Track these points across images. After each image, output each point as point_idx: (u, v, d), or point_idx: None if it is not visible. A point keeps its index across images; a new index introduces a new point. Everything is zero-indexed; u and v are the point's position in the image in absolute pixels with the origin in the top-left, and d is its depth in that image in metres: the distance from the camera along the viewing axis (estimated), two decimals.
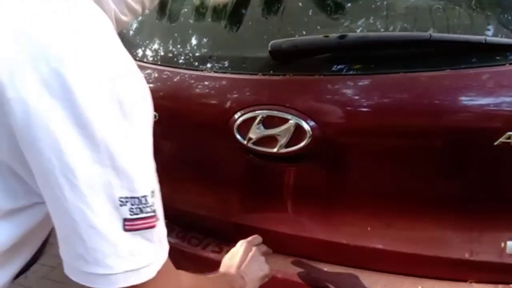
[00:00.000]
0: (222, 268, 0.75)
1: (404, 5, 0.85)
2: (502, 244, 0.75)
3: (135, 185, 0.44)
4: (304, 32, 0.88)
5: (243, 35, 0.97)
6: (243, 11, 0.99)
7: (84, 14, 0.47)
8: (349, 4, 0.88)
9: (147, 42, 1.10)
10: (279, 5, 0.94)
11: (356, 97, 0.80)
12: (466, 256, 0.77)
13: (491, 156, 0.72)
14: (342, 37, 0.77)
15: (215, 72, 0.93)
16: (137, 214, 0.44)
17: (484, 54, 0.73)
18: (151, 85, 1.00)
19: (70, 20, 0.45)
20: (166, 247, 0.49)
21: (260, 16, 0.96)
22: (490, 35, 0.75)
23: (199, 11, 1.07)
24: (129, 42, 1.10)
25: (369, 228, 0.83)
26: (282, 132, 0.81)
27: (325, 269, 0.87)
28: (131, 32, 1.13)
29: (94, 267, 0.43)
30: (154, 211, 0.45)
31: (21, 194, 0.46)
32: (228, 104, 0.88)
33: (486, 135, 0.71)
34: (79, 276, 0.44)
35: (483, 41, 0.71)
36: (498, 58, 0.72)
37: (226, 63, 0.94)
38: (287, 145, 0.82)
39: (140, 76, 0.47)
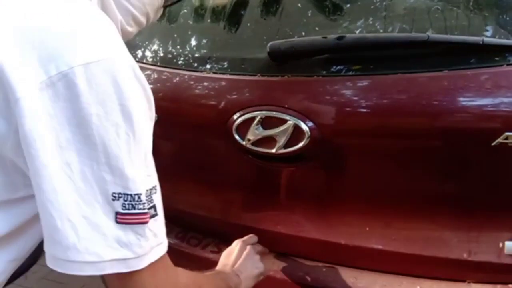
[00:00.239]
0: (218, 266, 0.76)
1: (402, 6, 0.85)
2: (501, 244, 0.75)
3: (129, 183, 0.45)
4: (302, 33, 0.88)
5: (242, 36, 0.97)
6: (242, 12, 1.00)
7: (86, 14, 0.48)
8: (347, 6, 0.89)
9: (147, 43, 1.10)
10: (277, 6, 0.94)
11: (354, 98, 0.80)
12: (465, 256, 0.77)
13: (489, 157, 0.72)
14: (340, 38, 0.77)
15: (214, 73, 0.93)
16: (129, 209, 0.45)
17: (482, 55, 0.73)
18: (151, 86, 0.99)
19: (73, 21, 0.46)
20: (163, 243, 0.50)
21: (258, 17, 0.96)
22: (487, 36, 0.75)
23: (198, 12, 1.07)
24: (129, 43, 1.10)
25: (367, 228, 0.83)
26: (281, 132, 0.82)
27: (324, 270, 0.87)
28: None
29: (84, 255, 0.44)
30: (148, 208, 0.46)
31: (21, 186, 0.48)
32: (227, 104, 0.88)
33: (484, 136, 0.71)
34: (66, 266, 0.45)
35: (481, 42, 0.72)
36: (495, 59, 0.72)
37: (225, 64, 0.95)
38: (286, 145, 0.82)
39: (141, 74, 0.48)
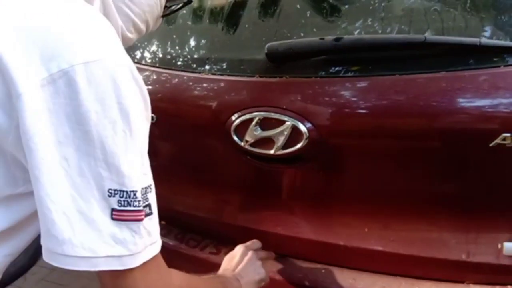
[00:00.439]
0: (220, 271, 0.76)
1: (400, 7, 0.85)
2: (499, 246, 0.75)
3: (125, 180, 0.46)
4: (300, 35, 0.89)
5: (240, 38, 0.98)
6: (240, 14, 1.00)
7: (86, 14, 0.49)
8: (344, 7, 0.89)
9: (145, 44, 1.11)
10: (275, 8, 0.94)
11: (352, 99, 0.80)
12: (463, 257, 0.77)
13: (487, 158, 0.72)
14: (337, 39, 0.77)
15: (212, 74, 0.94)
16: (124, 206, 0.46)
17: (479, 56, 0.73)
18: (149, 87, 1.00)
19: (74, 20, 0.48)
20: (156, 243, 0.50)
21: (256, 19, 0.97)
22: (484, 37, 0.75)
23: (197, 14, 1.07)
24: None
25: (366, 230, 0.83)
26: (279, 133, 0.82)
27: (323, 271, 0.87)
28: None
29: (79, 250, 0.45)
30: (143, 206, 0.47)
31: (20, 181, 0.49)
32: (225, 106, 0.89)
33: (481, 137, 0.71)
34: (61, 260, 0.46)
35: (478, 43, 0.72)
36: (492, 60, 0.72)
37: (223, 65, 0.95)
38: (284, 146, 0.82)
39: (138, 75, 0.49)
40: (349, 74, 0.80)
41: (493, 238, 0.76)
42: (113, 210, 0.46)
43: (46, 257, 0.47)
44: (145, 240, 0.48)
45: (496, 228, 0.76)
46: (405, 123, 0.76)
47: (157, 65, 1.04)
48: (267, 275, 0.80)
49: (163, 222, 0.88)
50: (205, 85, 0.94)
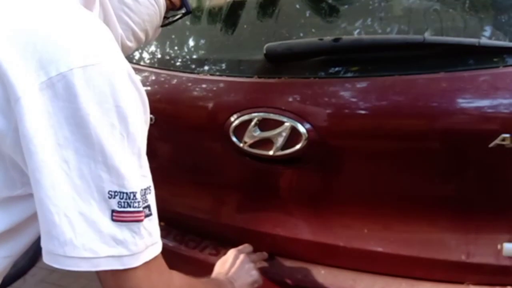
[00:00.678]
0: (213, 275, 0.78)
1: (399, 8, 0.85)
2: (499, 246, 0.75)
3: (125, 182, 0.46)
4: (299, 35, 0.89)
5: (239, 38, 0.97)
6: (239, 14, 1.00)
7: (84, 19, 0.50)
8: (343, 7, 0.89)
9: (144, 45, 1.10)
10: (274, 8, 0.94)
11: (351, 100, 0.80)
12: (463, 258, 0.77)
13: (486, 158, 0.72)
14: (336, 40, 0.77)
15: (211, 75, 0.94)
16: (124, 207, 0.47)
17: (478, 57, 0.73)
18: (148, 88, 1.00)
19: (72, 25, 0.48)
20: (157, 243, 0.51)
21: (255, 19, 0.97)
22: (484, 38, 0.75)
23: (195, 14, 1.07)
24: None
25: (366, 230, 0.83)
26: (278, 134, 0.82)
27: (322, 272, 0.87)
28: None
29: (80, 251, 0.45)
30: (143, 207, 0.48)
31: (18, 184, 0.49)
32: (224, 106, 0.88)
33: (481, 137, 0.71)
34: (63, 262, 0.46)
35: (477, 44, 0.72)
36: (492, 60, 0.72)
37: (222, 66, 0.95)
38: (283, 147, 0.82)
39: (137, 79, 0.49)
40: (348, 74, 0.80)
41: (492, 239, 0.76)
42: (113, 211, 0.46)
43: (46, 259, 0.47)
44: (146, 241, 0.48)
45: (495, 229, 0.76)
46: (404, 123, 0.76)
47: (156, 66, 1.04)
48: (260, 277, 0.81)
49: (162, 223, 0.88)
50: (203, 85, 0.94)
